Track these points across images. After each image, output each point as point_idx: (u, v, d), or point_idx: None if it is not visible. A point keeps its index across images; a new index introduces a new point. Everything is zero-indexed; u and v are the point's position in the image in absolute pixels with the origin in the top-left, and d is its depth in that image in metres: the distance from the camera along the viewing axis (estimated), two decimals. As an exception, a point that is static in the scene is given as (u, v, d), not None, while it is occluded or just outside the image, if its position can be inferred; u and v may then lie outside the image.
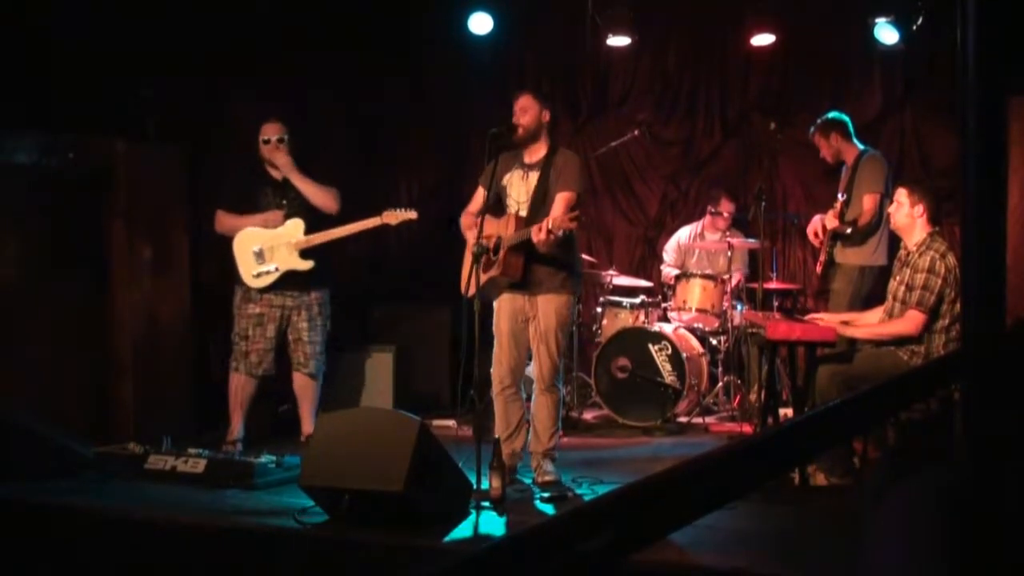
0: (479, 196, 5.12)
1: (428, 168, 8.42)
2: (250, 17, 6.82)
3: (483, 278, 4.75)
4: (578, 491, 4.82)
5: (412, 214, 5.75)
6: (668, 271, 7.45)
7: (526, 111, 4.91)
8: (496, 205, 5.05)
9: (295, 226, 5.81)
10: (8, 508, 4.46)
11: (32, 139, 5.79)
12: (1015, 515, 1.49)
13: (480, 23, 7.60)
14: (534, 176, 4.95)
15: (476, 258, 4.63)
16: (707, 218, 7.42)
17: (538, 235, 4.60)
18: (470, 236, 5.01)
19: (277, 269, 5.78)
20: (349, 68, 7.68)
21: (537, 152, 4.98)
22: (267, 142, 5.86)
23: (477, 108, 7.97)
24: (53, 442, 5.07)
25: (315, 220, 5.84)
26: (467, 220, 5.12)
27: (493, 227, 4.90)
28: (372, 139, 8.21)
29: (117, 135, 6.13)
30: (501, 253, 4.81)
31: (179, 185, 6.42)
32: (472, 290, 4.59)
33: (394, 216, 5.75)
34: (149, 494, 4.71)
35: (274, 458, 4.98)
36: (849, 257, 6.25)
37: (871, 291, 6.04)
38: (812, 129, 6.50)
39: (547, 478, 4.81)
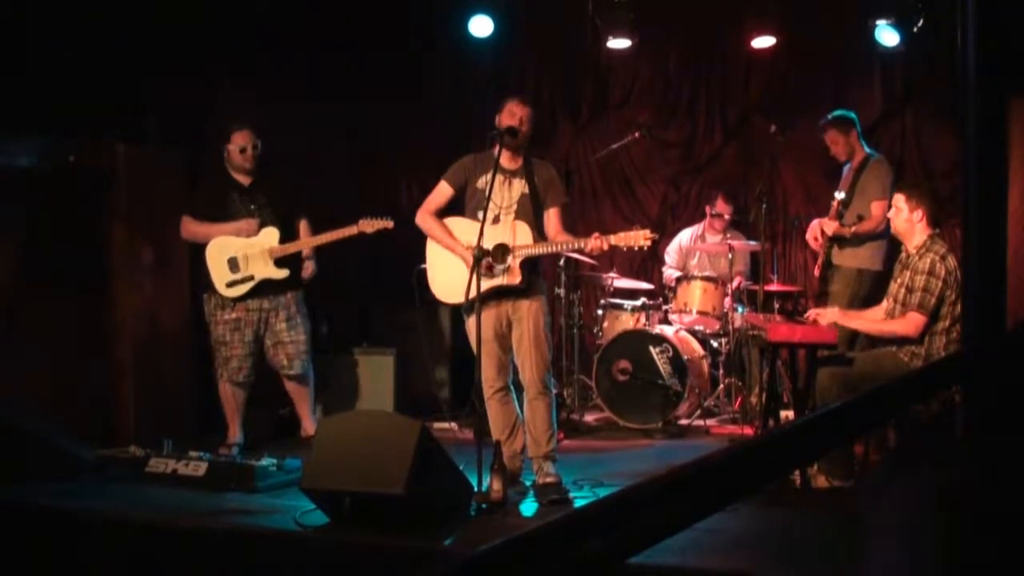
0: (443, 194, 5.04)
1: (428, 171, 8.36)
2: (250, 20, 6.82)
3: (485, 286, 4.69)
4: (579, 493, 4.82)
5: (388, 223, 5.69)
6: (669, 273, 7.45)
7: (527, 121, 4.92)
8: (455, 205, 5.03)
9: (270, 235, 5.76)
10: (10, 511, 4.46)
11: (33, 142, 5.79)
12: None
13: (480, 26, 7.60)
14: (518, 183, 4.93)
15: (477, 261, 4.58)
16: (707, 220, 7.43)
17: (599, 247, 4.68)
18: (450, 241, 4.91)
19: (253, 278, 5.72)
20: (349, 70, 7.67)
21: (517, 159, 4.98)
22: (244, 150, 5.78)
23: (477, 111, 7.96)
24: (54, 445, 5.07)
25: (288, 228, 5.83)
26: (434, 222, 5.01)
27: (473, 233, 4.74)
28: (372, 141, 8.20)
29: (117, 138, 6.14)
30: (515, 262, 4.78)
31: (180, 187, 6.41)
32: (472, 295, 4.55)
33: (370, 225, 5.70)
34: (150, 497, 4.71)
35: (275, 461, 4.98)
36: (847, 260, 6.25)
37: (868, 295, 6.03)
38: (825, 125, 6.44)
39: (548, 480, 4.77)
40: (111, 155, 6.11)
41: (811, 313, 5.47)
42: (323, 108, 7.63)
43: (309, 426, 5.89)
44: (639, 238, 4.65)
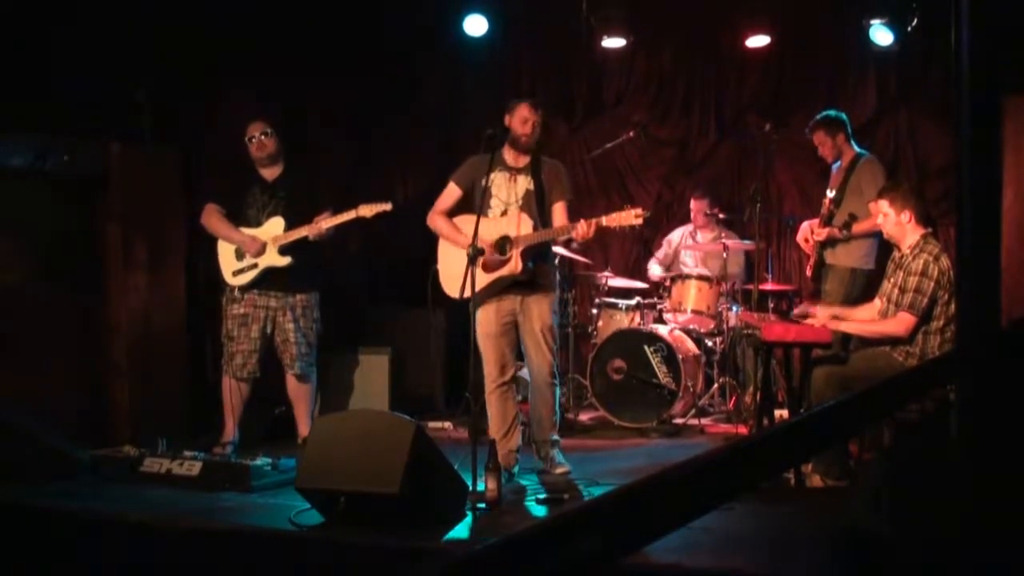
0: (452, 195, 5.15)
1: (423, 169, 8.41)
2: (246, 18, 6.81)
3: (489, 279, 4.85)
4: (586, 488, 4.86)
5: (387, 206, 5.69)
6: (653, 270, 7.48)
7: (538, 126, 5.07)
8: (464, 204, 5.14)
9: (275, 224, 5.82)
10: (4, 511, 4.45)
11: (28, 141, 5.77)
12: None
13: (475, 25, 7.62)
14: (523, 180, 5.06)
15: (472, 259, 4.63)
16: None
17: (586, 232, 4.74)
18: (457, 237, 5.00)
19: (256, 265, 5.78)
20: (345, 69, 7.67)
21: (523, 158, 5.10)
22: (252, 139, 5.85)
23: (472, 109, 7.98)
24: (48, 445, 5.06)
25: (297, 219, 5.84)
26: (443, 222, 5.12)
27: (485, 227, 4.88)
28: (367, 140, 8.20)
29: (113, 137, 6.12)
30: (516, 251, 4.88)
31: (175, 187, 6.41)
32: (469, 292, 4.61)
33: (369, 209, 5.69)
34: (145, 497, 4.69)
35: (270, 460, 4.97)
36: (841, 259, 6.25)
37: (862, 294, 6.03)
38: (814, 126, 6.41)
39: (560, 469, 5.01)
40: (106, 155, 6.09)
41: (802, 307, 5.46)
42: (319, 107, 7.63)
43: (305, 429, 5.87)
44: (629, 217, 4.72)
